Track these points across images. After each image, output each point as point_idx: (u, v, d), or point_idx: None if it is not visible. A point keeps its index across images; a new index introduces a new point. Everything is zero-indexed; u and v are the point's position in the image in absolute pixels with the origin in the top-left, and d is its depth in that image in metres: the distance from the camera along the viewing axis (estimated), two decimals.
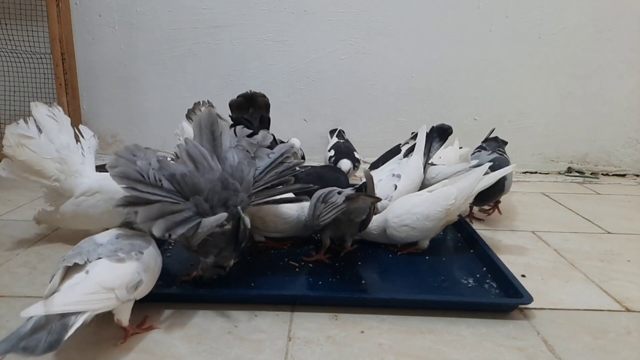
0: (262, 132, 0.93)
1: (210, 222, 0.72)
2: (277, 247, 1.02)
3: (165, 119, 1.73)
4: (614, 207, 1.44)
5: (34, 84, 1.63)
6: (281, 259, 0.96)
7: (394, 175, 1.17)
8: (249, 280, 0.86)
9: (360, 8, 1.68)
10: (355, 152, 1.50)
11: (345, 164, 1.41)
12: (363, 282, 0.88)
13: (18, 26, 1.58)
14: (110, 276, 0.63)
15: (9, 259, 0.94)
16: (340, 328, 0.73)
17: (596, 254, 1.06)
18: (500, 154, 1.26)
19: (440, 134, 1.24)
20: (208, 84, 1.75)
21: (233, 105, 1.25)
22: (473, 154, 1.28)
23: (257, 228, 0.99)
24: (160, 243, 0.98)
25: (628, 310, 0.82)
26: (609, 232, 1.21)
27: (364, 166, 1.62)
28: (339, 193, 0.87)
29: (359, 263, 0.96)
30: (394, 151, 1.29)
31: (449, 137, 1.26)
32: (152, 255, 0.71)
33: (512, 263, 0.95)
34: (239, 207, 0.77)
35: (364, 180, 0.90)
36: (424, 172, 1.20)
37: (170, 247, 1.01)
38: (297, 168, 0.90)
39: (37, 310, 0.57)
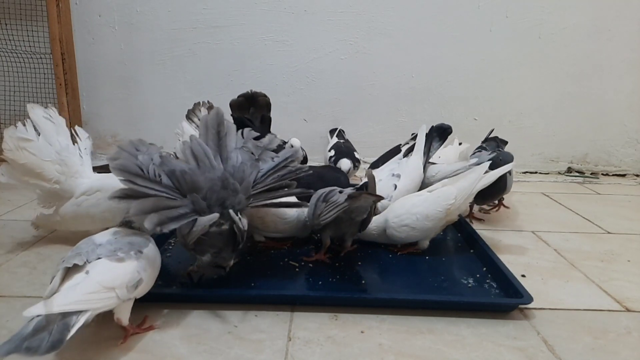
0: (269, 136, 0.93)
1: (204, 221, 0.72)
2: (277, 247, 1.02)
3: (165, 119, 1.73)
4: (614, 207, 1.44)
5: (34, 84, 1.63)
6: (281, 259, 0.96)
7: (393, 175, 1.17)
8: (249, 280, 0.86)
9: (360, 8, 1.68)
10: (355, 152, 1.50)
11: (345, 164, 1.41)
12: (363, 282, 0.88)
13: (18, 26, 1.58)
14: (111, 275, 0.63)
15: (9, 259, 0.94)
16: (340, 328, 0.73)
17: (596, 254, 1.06)
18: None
19: (439, 134, 1.25)
20: (208, 84, 1.75)
21: (234, 104, 1.25)
22: (473, 154, 1.28)
23: (257, 228, 0.99)
24: (161, 243, 0.99)
25: (628, 310, 0.82)
26: (609, 232, 1.21)
27: (363, 166, 1.62)
28: (340, 192, 0.87)
29: (359, 263, 0.96)
30: (394, 151, 1.29)
31: (449, 137, 1.26)
32: (151, 254, 0.71)
33: (512, 263, 0.95)
34: (230, 210, 0.77)
35: (364, 180, 0.90)
36: (423, 171, 1.21)
37: (170, 247, 1.01)
38: (301, 173, 0.89)
39: (39, 309, 0.57)
